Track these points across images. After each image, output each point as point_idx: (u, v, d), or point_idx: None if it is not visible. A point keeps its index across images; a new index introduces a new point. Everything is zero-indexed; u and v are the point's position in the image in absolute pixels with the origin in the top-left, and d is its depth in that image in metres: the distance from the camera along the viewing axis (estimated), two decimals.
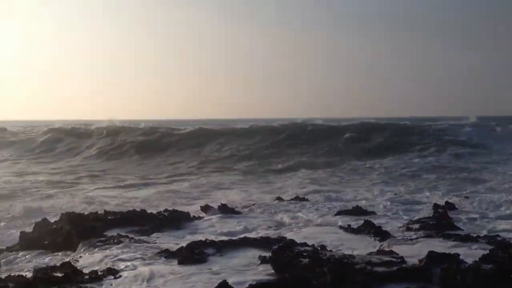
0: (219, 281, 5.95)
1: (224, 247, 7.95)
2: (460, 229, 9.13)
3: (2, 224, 11.22)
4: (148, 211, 10.85)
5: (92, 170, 26.39)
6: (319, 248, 7.69)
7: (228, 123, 39.47)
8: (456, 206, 11.84)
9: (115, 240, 8.46)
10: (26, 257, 8.38)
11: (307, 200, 13.87)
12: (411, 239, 8.31)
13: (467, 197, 13.74)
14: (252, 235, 9.22)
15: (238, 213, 11.61)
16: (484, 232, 9.14)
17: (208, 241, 8.24)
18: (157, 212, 10.80)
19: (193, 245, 7.87)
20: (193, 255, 7.36)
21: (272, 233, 9.44)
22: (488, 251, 6.66)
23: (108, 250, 7.93)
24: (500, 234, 8.79)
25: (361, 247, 8.12)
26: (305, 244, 7.88)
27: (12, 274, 6.57)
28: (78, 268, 6.80)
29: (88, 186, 19.05)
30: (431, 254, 6.22)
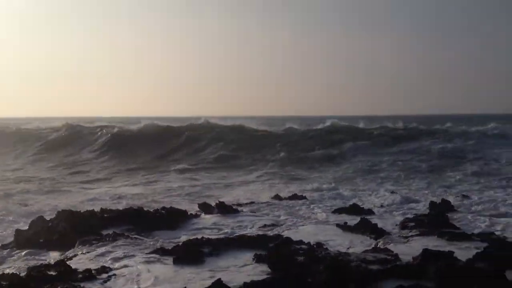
0: (214, 279, 5.94)
1: (220, 245, 7.94)
2: (455, 227, 9.11)
3: None
4: (145, 209, 10.84)
5: (83, 166, 26.45)
6: (315, 246, 7.70)
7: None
8: (452, 204, 11.83)
9: (111, 238, 8.45)
10: (21, 255, 8.35)
11: (304, 198, 13.85)
12: (406, 237, 8.32)
13: (464, 195, 13.74)
14: (249, 233, 9.22)
15: (236, 211, 11.58)
16: (479, 230, 9.14)
17: (204, 239, 8.24)
18: (154, 210, 10.78)
19: (189, 244, 7.87)
20: (189, 253, 7.34)
21: (269, 232, 9.45)
22: (482, 249, 6.66)
23: (103, 248, 7.92)
24: (495, 232, 8.81)
25: (357, 245, 8.13)
26: (301, 242, 7.88)
27: (5, 272, 6.54)
28: (72, 266, 6.78)
29: (88, 185, 19.02)
30: (426, 252, 6.21)
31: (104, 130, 37.34)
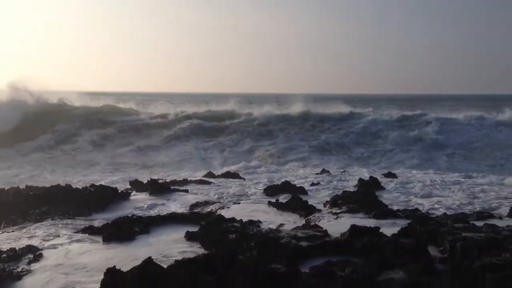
0: (144, 257, 5.87)
1: (151, 223, 7.86)
2: (382, 203, 9.44)
3: None
4: (74, 186, 10.54)
5: None
6: (247, 224, 7.76)
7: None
8: (380, 181, 12.24)
9: (37, 217, 8.17)
10: None
11: (237, 175, 13.92)
12: (336, 214, 8.54)
13: (391, 173, 14.26)
14: (181, 210, 9.19)
15: (168, 188, 11.47)
16: (404, 207, 9.53)
17: (135, 217, 8.12)
18: (83, 188, 10.50)
19: (119, 222, 7.73)
20: (118, 232, 7.21)
21: (201, 209, 9.44)
22: (406, 225, 6.93)
23: (29, 228, 7.65)
24: (418, 208, 9.21)
25: (288, 221, 8.27)
26: (233, 220, 7.93)
27: None
28: None
29: None
30: (353, 228, 6.39)
31: None
